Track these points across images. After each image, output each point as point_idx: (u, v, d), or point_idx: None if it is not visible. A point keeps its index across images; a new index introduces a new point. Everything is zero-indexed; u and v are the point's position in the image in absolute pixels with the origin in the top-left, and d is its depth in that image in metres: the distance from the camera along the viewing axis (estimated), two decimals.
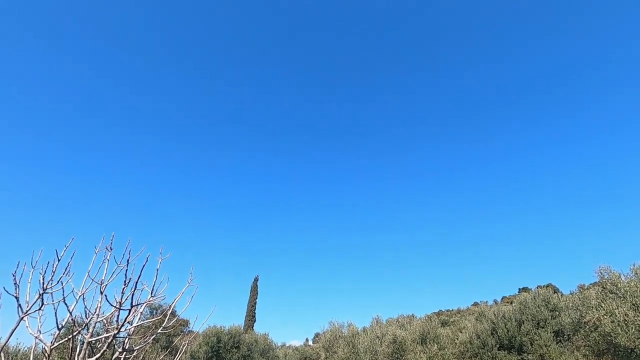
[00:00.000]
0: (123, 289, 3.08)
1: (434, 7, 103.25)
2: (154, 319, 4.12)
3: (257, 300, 39.45)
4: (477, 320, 21.17)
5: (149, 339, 3.79)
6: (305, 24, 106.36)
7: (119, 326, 2.93)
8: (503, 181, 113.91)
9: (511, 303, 25.54)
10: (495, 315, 18.94)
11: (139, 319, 3.71)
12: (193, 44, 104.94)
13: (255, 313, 38.82)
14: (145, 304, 3.28)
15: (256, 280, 40.39)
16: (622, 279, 11.99)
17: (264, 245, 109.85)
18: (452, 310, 53.63)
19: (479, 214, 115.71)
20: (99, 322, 3.34)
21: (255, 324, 38.19)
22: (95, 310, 3.43)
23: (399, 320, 22.12)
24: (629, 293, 11.03)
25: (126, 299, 3.12)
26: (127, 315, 3.09)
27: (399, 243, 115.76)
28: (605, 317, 11.02)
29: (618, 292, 11.58)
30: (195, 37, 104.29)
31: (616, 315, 10.64)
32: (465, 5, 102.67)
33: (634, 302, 10.69)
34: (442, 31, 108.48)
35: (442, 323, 28.49)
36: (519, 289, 54.01)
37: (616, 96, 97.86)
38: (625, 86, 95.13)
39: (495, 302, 53.06)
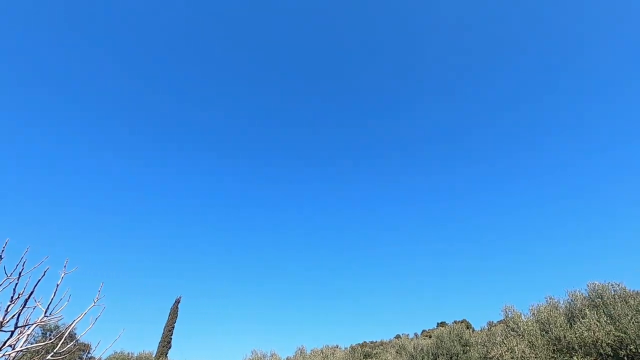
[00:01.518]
0: (8, 307, 2.63)
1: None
2: (44, 343, 3.57)
3: (175, 324, 36.29)
4: (397, 353, 21.80)
5: None
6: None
7: None
8: (427, 220, 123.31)
9: (430, 337, 26.80)
10: (414, 348, 19.70)
11: (26, 341, 3.19)
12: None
13: (171, 338, 35.53)
14: (35, 324, 2.83)
15: (177, 302, 37.33)
16: (522, 318, 13.39)
17: (187, 266, 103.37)
18: (376, 342, 54.59)
19: (403, 247, 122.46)
20: None
21: (170, 350, 34.87)
22: None
23: (323, 351, 21.88)
24: (526, 331, 12.31)
25: (11, 318, 2.67)
26: (9, 338, 2.63)
27: (326, 274, 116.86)
28: (506, 353, 12.08)
29: (518, 330, 12.85)
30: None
31: (515, 352, 11.74)
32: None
33: (530, 340, 11.92)
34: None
35: (364, 355, 28.78)
36: (437, 323, 57.12)
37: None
38: None
39: (416, 335, 55.34)
